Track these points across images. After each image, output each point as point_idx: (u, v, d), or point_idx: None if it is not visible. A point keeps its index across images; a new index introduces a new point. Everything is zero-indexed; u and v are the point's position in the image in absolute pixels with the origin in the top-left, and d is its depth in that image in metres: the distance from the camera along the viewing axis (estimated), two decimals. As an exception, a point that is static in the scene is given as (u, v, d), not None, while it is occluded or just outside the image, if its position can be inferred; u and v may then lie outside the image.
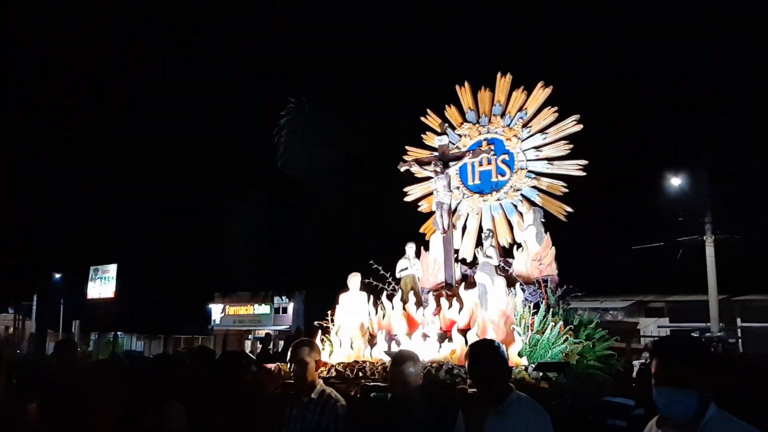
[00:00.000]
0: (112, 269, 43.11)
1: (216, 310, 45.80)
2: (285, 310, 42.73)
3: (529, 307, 9.16)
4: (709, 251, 21.43)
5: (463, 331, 8.89)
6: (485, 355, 3.96)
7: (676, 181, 23.31)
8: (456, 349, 8.67)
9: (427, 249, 11.26)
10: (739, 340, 24.11)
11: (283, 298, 41.55)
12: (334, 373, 8.99)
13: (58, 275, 41.18)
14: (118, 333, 41.79)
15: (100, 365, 6.24)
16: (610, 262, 29.49)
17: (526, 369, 8.01)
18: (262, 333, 40.22)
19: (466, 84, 12.09)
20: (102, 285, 43.26)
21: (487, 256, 10.02)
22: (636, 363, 19.94)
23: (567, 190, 10.97)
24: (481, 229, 11.31)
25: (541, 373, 7.90)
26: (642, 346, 26.10)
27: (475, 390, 4.04)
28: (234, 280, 37.59)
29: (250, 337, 44.53)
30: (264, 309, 44.04)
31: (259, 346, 20.88)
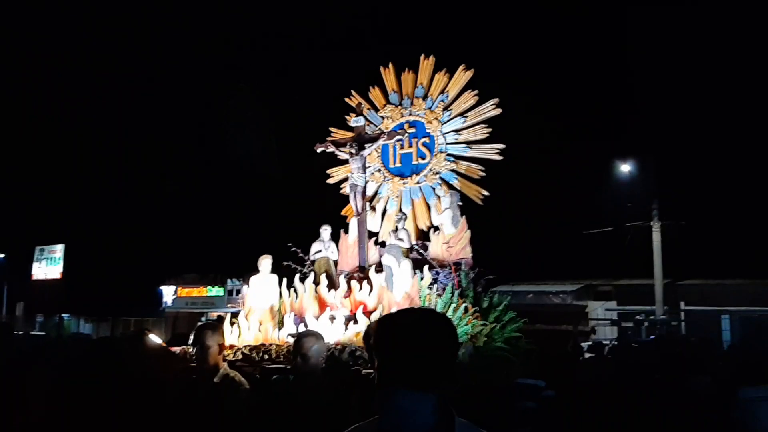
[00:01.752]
0: (59, 249, 42.10)
1: (168, 292, 45.10)
2: (238, 292, 42.33)
3: (435, 289, 9.20)
4: (656, 236, 21.67)
5: (369, 313, 8.89)
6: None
7: (625, 168, 23.59)
8: (361, 331, 8.67)
9: (347, 232, 11.21)
10: (683, 323, 24.60)
11: (236, 280, 41.18)
12: (240, 356, 8.93)
13: (1, 255, 40.01)
14: (65, 315, 40.91)
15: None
16: (560, 246, 29.84)
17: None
18: (214, 315, 39.89)
19: (390, 66, 12.02)
20: (48, 266, 42.27)
21: (399, 239, 10.03)
22: (584, 345, 20.33)
23: (484, 174, 11.02)
24: (401, 211, 11.29)
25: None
26: (589, 329, 26.59)
27: (370, 371, 4.02)
28: (185, 262, 37.06)
29: (202, 319, 44.08)
30: (217, 291, 43.58)
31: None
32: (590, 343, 20.83)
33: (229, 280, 41.30)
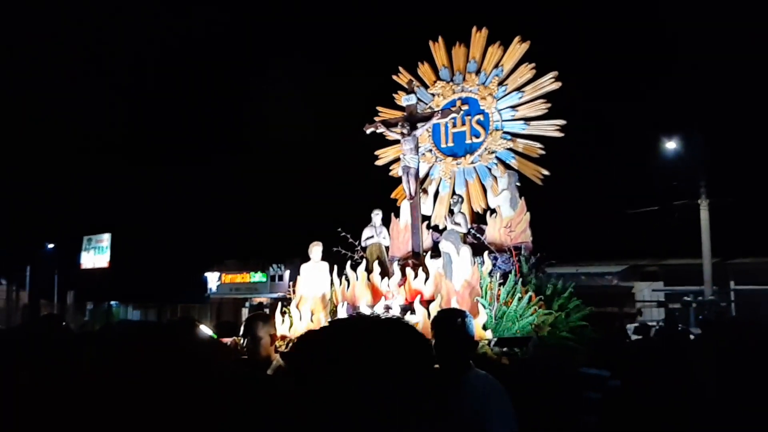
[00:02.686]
0: (105, 239, 42.85)
1: (212, 278, 45.51)
2: (281, 278, 42.44)
3: (497, 277, 8.63)
4: (704, 215, 20.87)
5: (427, 303, 8.39)
6: (448, 326, 3.48)
7: (671, 145, 22.67)
8: (419, 322, 8.17)
9: (398, 216, 10.69)
10: (732, 304, 23.73)
11: (279, 265, 41.24)
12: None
13: (51, 245, 40.76)
14: (113, 303, 41.58)
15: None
16: (606, 226, 29.03)
17: (489, 343, 7.52)
18: (257, 301, 40.07)
19: (440, 39, 11.37)
20: (96, 255, 43.01)
21: (455, 224, 9.46)
22: (630, 327, 19.61)
23: (544, 152, 10.34)
24: (454, 195, 10.71)
25: (504, 348, 7.42)
26: (635, 311, 25.78)
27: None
28: (227, 248, 37.20)
29: (246, 305, 44.38)
30: (260, 277, 43.76)
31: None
32: (636, 324, 20.16)
33: (271, 266, 41.39)
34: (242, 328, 4.34)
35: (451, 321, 3.49)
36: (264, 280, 43.55)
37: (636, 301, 26.82)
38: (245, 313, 41.56)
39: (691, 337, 9.85)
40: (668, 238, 26.00)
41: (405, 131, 9.75)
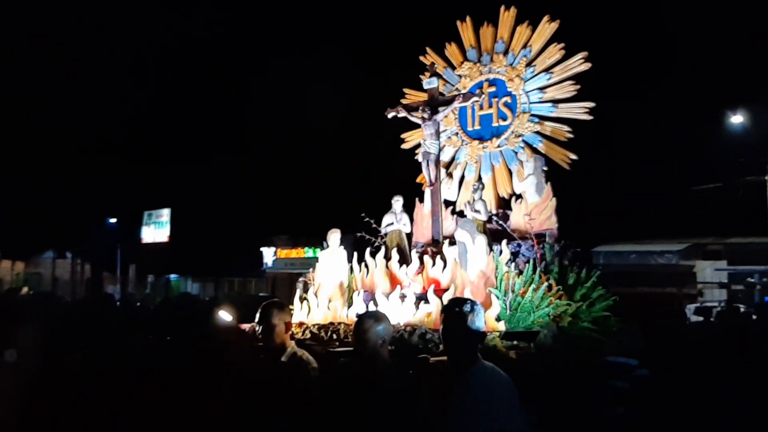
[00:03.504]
0: (165, 214, 44.18)
1: (268, 253, 46.38)
2: (334, 254, 42.86)
3: (515, 266, 8.43)
4: (771, 191, 19.80)
5: (442, 292, 8.29)
6: (456, 316, 3.44)
7: (736, 119, 21.53)
8: (432, 312, 8.10)
9: (422, 201, 10.56)
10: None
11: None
12: (309, 335, 8.60)
13: (113, 220, 42.32)
14: (171, 276, 42.92)
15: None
16: (667, 203, 28.07)
17: (500, 336, 7.37)
18: (311, 275, 40.66)
19: (468, 19, 11.07)
20: (156, 229, 44.42)
21: (475, 211, 9.28)
22: (691, 307, 18.97)
23: (572, 136, 9.97)
24: (480, 179, 10.50)
25: (514, 342, 7.26)
26: (696, 291, 24.91)
27: (439, 359, 3.64)
28: (284, 224, 37.86)
29: (300, 279, 45.05)
30: (313, 253, 44.31)
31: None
32: (697, 305, 19.45)
33: (323, 243, 41.79)
34: (257, 316, 4.40)
35: (457, 311, 3.43)
36: (317, 255, 44.01)
37: (697, 282, 25.89)
38: (299, 287, 42.21)
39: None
40: (733, 215, 24.95)
41: (426, 116, 9.56)
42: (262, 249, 46.38)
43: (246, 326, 9.12)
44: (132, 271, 40.35)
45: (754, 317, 9.88)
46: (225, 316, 8.12)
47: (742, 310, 11.55)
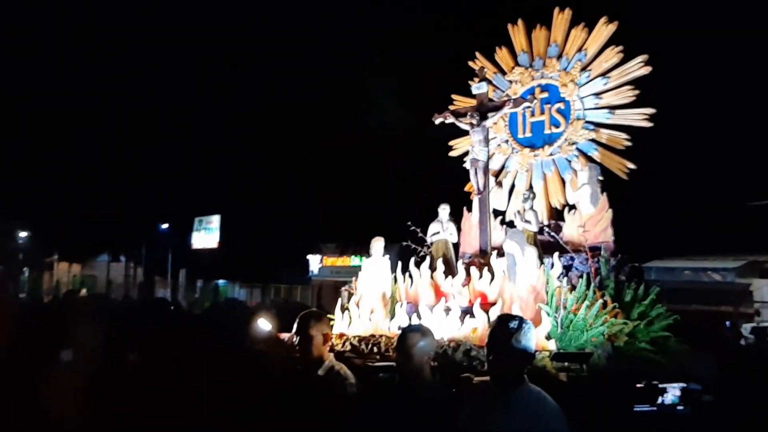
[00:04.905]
0: (215, 220, 44.81)
1: (314, 261, 46.52)
2: (380, 262, 42.69)
3: (569, 280, 7.97)
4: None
5: (488, 307, 7.88)
6: (502, 334, 3.17)
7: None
8: (478, 327, 7.70)
9: (470, 210, 10.17)
10: None
11: (378, 250, 41.44)
12: (348, 347, 8.32)
13: (165, 226, 43.12)
14: (220, 281, 43.44)
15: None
16: (723, 218, 26.99)
17: (551, 356, 6.93)
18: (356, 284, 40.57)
19: (520, 22, 10.67)
20: (206, 235, 45.06)
21: (525, 221, 8.84)
22: (747, 326, 18.09)
23: (630, 144, 9.45)
24: (531, 188, 10.06)
25: (565, 363, 6.81)
26: (752, 310, 23.82)
27: (484, 379, 3.36)
28: (331, 233, 37.87)
29: (345, 287, 45.03)
30: (359, 261, 44.21)
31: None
32: (753, 325, 18.52)
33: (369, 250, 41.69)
34: (295, 326, 4.20)
35: (504, 328, 3.15)
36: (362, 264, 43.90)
37: (754, 301, 24.77)
38: (344, 295, 42.15)
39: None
40: (793, 232, 23.85)
41: (474, 122, 9.20)
42: (308, 256, 46.56)
43: (285, 336, 8.91)
44: (182, 275, 40.93)
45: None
46: (264, 325, 7.90)
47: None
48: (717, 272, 26.73)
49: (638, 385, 6.39)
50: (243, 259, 44.86)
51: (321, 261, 46.41)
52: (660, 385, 7.15)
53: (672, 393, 7.04)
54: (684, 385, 7.24)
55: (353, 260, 44.81)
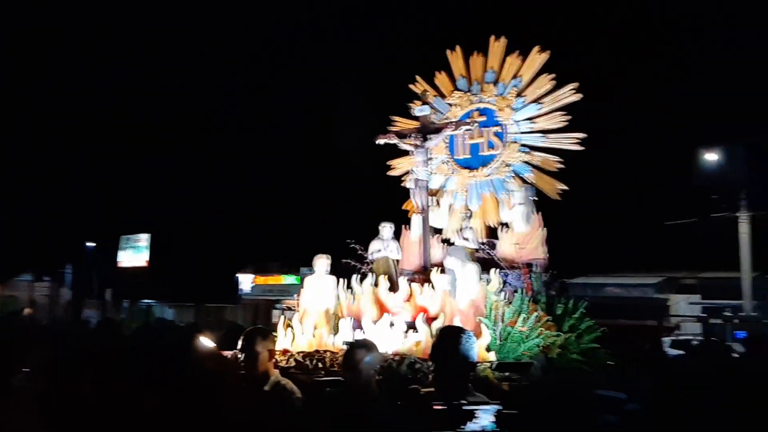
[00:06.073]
0: (144, 239, 43.63)
1: (245, 280, 45.90)
2: (313, 281, 42.46)
3: (505, 295, 8.35)
4: (743, 227, 20.14)
5: (431, 321, 8.16)
6: (446, 344, 3.35)
7: (711, 157, 22.07)
8: (421, 341, 7.96)
9: (410, 228, 10.46)
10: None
11: (311, 269, 41.21)
12: (293, 363, 8.40)
13: (91, 244, 41.73)
14: (150, 301, 42.27)
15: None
16: (642, 238, 28.40)
17: (491, 366, 7.25)
18: (290, 303, 40.19)
19: (458, 49, 11.13)
20: (134, 254, 43.82)
21: (464, 239, 9.22)
22: (666, 340, 19.04)
23: (562, 166, 9.99)
24: (468, 208, 10.45)
25: (506, 373, 7.14)
26: (673, 324, 25.09)
27: (430, 390, 3.51)
28: (263, 251, 37.53)
29: (277, 306, 44.57)
30: (292, 279, 43.87)
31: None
32: (673, 338, 19.58)
33: (303, 268, 41.48)
34: (240, 342, 4.26)
35: (448, 341, 3.34)
36: (296, 282, 43.66)
37: (671, 315, 26.11)
38: (275, 314, 41.72)
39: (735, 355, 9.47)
40: (706, 250, 25.33)
41: (417, 143, 9.54)
42: (238, 275, 45.91)
43: (227, 353, 8.91)
44: (108, 295, 39.64)
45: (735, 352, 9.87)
46: (206, 342, 7.91)
47: (724, 344, 11.60)
48: (638, 288, 28.05)
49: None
50: (172, 278, 43.82)
51: (252, 280, 45.82)
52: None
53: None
54: (614, 394, 7.71)
55: (286, 278, 44.47)
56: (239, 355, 4.27)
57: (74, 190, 43.87)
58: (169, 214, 43.54)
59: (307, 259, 9.86)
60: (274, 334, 8.18)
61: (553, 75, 10.15)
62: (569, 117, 10.01)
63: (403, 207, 10.78)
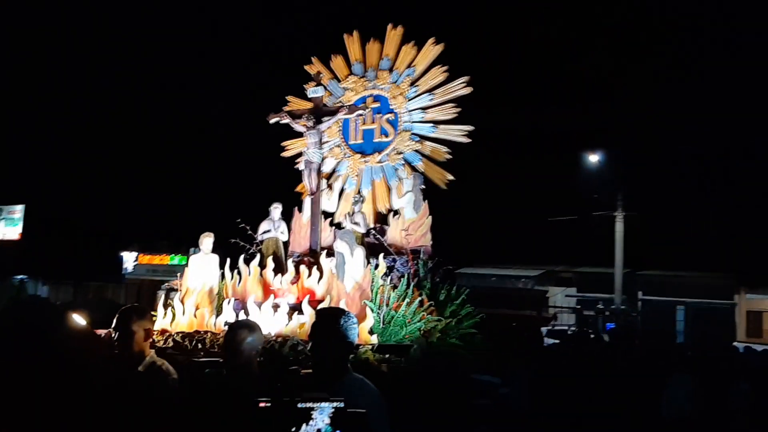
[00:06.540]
0: (18, 210, 40.82)
1: (129, 258, 43.95)
2: (201, 262, 41.41)
3: (391, 280, 8.52)
4: (619, 227, 21.53)
5: (316, 303, 8.18)
6: (324, 326, 3.30)
7: (593, 158, 23.42)
8: (305, 323, 7.96)
9: (301, 210, 10.43)
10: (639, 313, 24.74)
11: (197, 249, 40.18)
12: (171, 343, 8.19)
13: (-45, 214, 38.58)
14: (23, 277, 39.67)
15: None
16: (526, 233, 29.76)
17: (373, 349, 7.38)
18: (175, 284, 38.99)
19: (355, 33, 11.15)
20: (6, 226, 40.96)
21: (354, 223, 9.30)
22: (544, 329, 20.06)
23: (450, 157, 10.27)
24: (360, 193, 10.54)
25: (387, 355, 7.30)
26: (551, 315, 26.51)
27: (310, 371, 3.44)
28: (149, 228, 36.10)
29: (162, 287, 43.08)
30: (180, 259, 42.49)
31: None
32: (549, 328, 20.74)
33: (190, 249, 40.32)
34: (114, 321, 4.09)
35: (327, 321, 3.32)
36: (183, 263, 42.33)
37: (549, 306, 27.54)
38: (160, 296, 40.36)
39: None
40: (584, 246, 26.94)
41: (309, 124, 9.48)
42: (122, 253, 43.94)
43: (101, 332, 8.54)
44: (-26, 269, 36.82)
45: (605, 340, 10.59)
46: (78, 319, 7.56)
47: (591, 335, 12.42)
48: (519, 279, 29.42)
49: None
50: (48, 253, 41.28)
51: (136, 258, 44.00)
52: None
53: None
54: (488, 378, 8.07)
55: (172, 258, 43.03)
56: (113, 334, 4.13)
57: (-62, 155, 40.40)
58: (46, 185, 40.93)
59: (196, 239, 9.59)
60: (152, 313, 7.94)
61: (446, 67, 10.38)
62: (459, 109, 10.27)
63: (297, 189, 10.72)
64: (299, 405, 2.86)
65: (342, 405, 2.91)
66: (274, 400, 2.95)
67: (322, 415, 2.87)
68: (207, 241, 9.05)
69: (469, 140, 10.18)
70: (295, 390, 3.79)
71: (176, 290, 9.86)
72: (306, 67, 11.25)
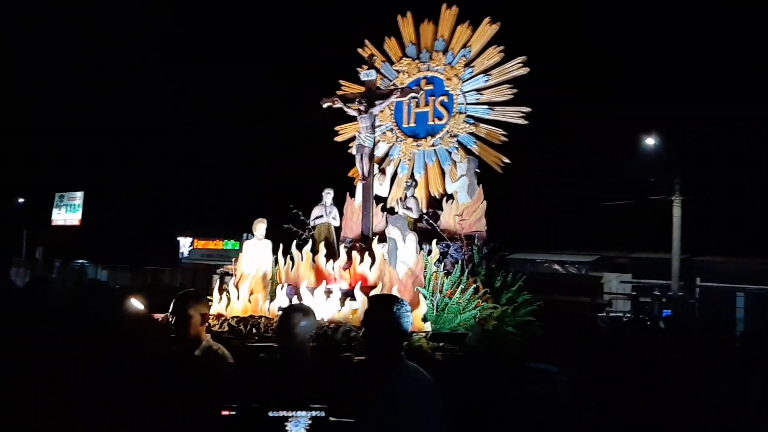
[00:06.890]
0: (78, 196, 42.14)
1: (184, 243, 44.88)
2: (255, 246, 42.00)
3: (445, 266, 8.34)
4: (676, 211, 20.85)
5: (369, 289, 8.07)
6: (376, 313, 3.22)
7: (650, 141, 22.70)
8: (358, 309, 7.87)
9: (353, 195, 10.32)
10: (697, 300, 23.98)
11: (250, 235, 40.78)
12: (227, 328, 8.21)
13: (21, 200, 40.07)
14: (84, 262, 41.00)
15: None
16: (580, 216, 29.14)
17: (426, 336, 7.23)
18: (229, 269, 39.69)
19: (409, 15, 10.93)
20: (68, 212, 42.36)
21: (407, 208, 9.13)
22: (599, 316, 19.64)
23: (507, 139, 9.98)
24: (413, 177, 10.36)
25: (441, 343, 7.14)
26: (605, 301, 25.97)
27: (363, 358, 3.38)
28: (204, 214, 36.82)
29: (217, 271, 43.88)
30: (233, 244, 43.19)
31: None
32: (604, 314, 20.30)
33: (243, 234, 40.91)
34: (171, 306, 4.08)
35: (380, 308, 3.23)
36: (236, 247, 43.01)
37: (604, 293, 26.97)
38: (216, 280, 41.09)
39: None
40: (640, 231, 26.22)
41: (362, 108, 9.34)
42: (179, 238, 44.87)
43: (159, 316, 8.64)
44: (39, 253, 38.21)
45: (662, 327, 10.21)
46: (137, 304, 7.63)
47: (648, 322, 12.01)
48: (573, 266, 28.84)
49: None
50: (107, 238, 42.54)
51: (192, 243, 44.88)
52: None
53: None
54: (545, 366, 7.82)
55: (226, 243, 43.74)
56: (170, 319, 4.13)
57: (5, 145, 41.92)
58: (105, 172, 42.11)
59: (249, 225, 9.61)
60: (208, 298, 7.97)
61: (502, 47, 10.07)
62: (516, 90, 9.96)
63: (350, 174, 10.62)
64: (271, 414, 2.59)
65: (323, 415, 2.67)
66: (239, 408, 2.69)
67: (297, 427, 2.60)
68: (260, 226, 9.03)
69: (526, 122, 9.87)
70: (274, 395, 3.66)
71: (231, 275, 9.92)
72: (359, 50, 11.10)
